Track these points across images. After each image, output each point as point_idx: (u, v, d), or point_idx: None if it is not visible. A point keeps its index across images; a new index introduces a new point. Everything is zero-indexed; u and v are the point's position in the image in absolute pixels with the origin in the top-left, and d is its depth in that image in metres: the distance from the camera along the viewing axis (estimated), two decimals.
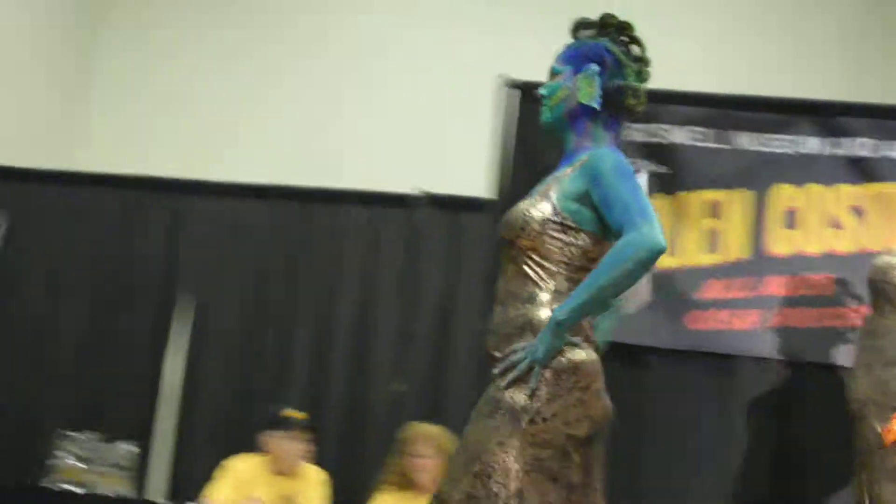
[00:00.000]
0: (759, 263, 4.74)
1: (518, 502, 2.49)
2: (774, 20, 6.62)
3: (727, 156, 4.95)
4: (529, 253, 2.67)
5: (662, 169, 4.93)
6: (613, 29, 2.80)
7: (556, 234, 2.62)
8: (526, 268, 2.66)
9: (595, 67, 2.73)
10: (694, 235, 4.90)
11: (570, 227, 2.61)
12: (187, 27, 7.33)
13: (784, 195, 4.79)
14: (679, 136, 4.94)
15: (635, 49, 2.84)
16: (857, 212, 4.73)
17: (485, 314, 3.56)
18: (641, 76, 2.82)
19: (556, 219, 2.64)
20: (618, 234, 2.46)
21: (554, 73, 2.84)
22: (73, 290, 5.97)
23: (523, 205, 2.74)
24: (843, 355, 4.60)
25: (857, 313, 4.69)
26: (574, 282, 2.57)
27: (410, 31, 7.20)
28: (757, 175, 4.84)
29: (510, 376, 2.54)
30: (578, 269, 2.59)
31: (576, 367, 2.53)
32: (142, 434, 5.45)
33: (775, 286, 4.73)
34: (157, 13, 7.45)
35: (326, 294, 5.72)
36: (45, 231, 6.06)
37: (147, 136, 7.14)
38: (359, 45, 7.15)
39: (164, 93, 7.23)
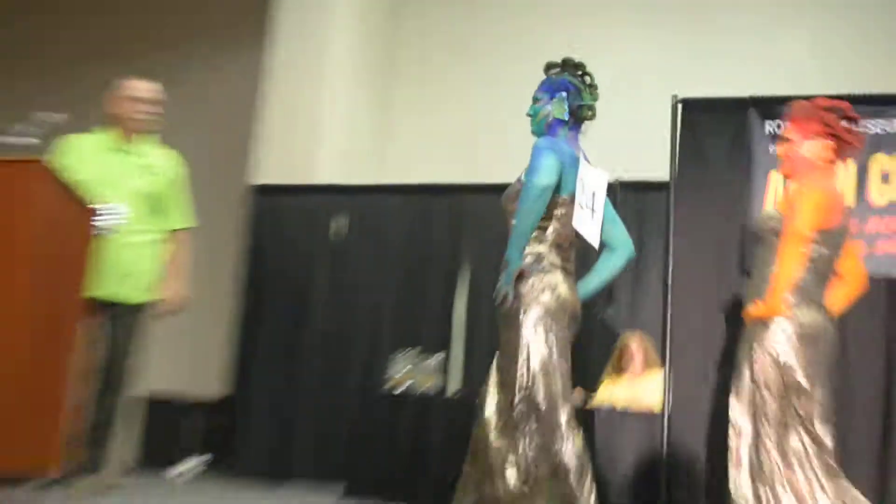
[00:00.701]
0: (863, 211, 5.14)
1: (540, 355, 3.15)
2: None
3: None
4: (510, 215, 3.35)
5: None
6: (572, 67, 3.51)
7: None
8: (512, 224, 3.30)
9: (564, 94, 3.42)
10: None
11: None
12: (466, 70, 7.98)
13: (880, 162, 5.21)
14: None
15: (587, 79, 3.50)
16: None
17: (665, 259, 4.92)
18: (593, 96, 3.50)
19: (521, 188, 3.32)
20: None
21: (536, 100, 3.51)
22: (391, 264, 6.86)
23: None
24: None
25: None
26: (538, 230, 3.25)
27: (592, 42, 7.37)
28: (860, 149, 5.03)
29: (499, 297, 3.22)
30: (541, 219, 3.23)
31: (542, 279, 3.19)
32: (443, 349, 6.29)
33: (875, 225, 5.15)
34: (442, 57, 8.25)
35: None
36: (372, 226, 6.96)
37: (433, 150, 7.89)
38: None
39: (445, 118, 7.92)
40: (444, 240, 6.85)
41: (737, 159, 5.41)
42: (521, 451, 3.20)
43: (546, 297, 3.19)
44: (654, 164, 5.79)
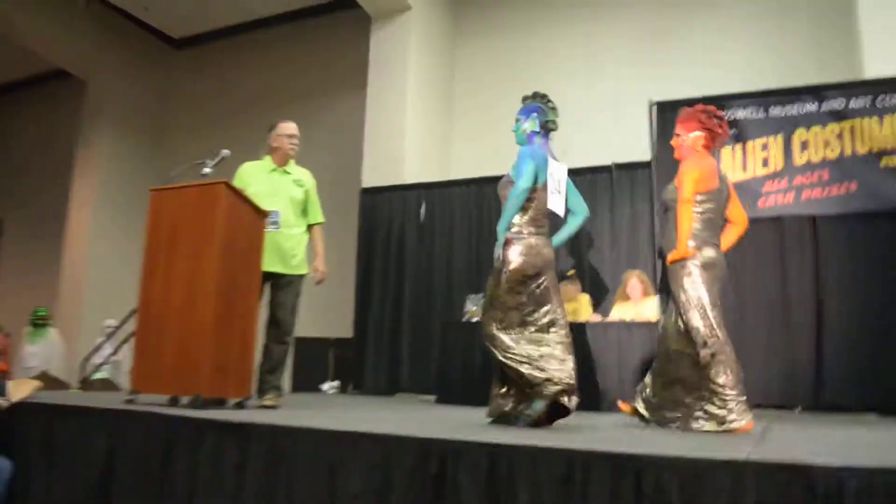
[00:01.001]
0: (790, 170, 5.67)
1: (505, 305, 3.47)
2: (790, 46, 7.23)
3: (769, 120, 5.81)
4: (503, 198, 3.66)
5: (733, 131, 5.69)
6: (540, 97, 3.79)
7: (509, 188, 3.61)
8: (504, 205, 3.62)
9: (535, 115, 3.71)
10: (756, 161, 5.74)
11: (513, 183, 3.60)
12: (506, 91, 8.12)
13: (800, 134, 5.70)
14: (742, 114, 5.87)
15: (551, 104, 3.79)
16: (839, 136, 5.60)
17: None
18: (555, 113, 3.78)
19: (509, 179, 3.64)
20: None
21: (517, 120, 3.81)
22: (459, 236, 7.35)
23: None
24: (840, 209, 5.51)
25: (841, 189, 5.53)
26: (520, 210, 3.54)
27: (594, 62, 8.13)
28: (784, 127, 5.75)
29: (495, 258, 3.52)
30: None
31: (519, 242, 3.50)
32: None
33: (798, 180, 5.65)
34: (487, 85, 8.63)
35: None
36: (444, 210, 7.45)
37: (484, 152, 8.07)
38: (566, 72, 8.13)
39: (491, 129, 7.99)
40: (494, 216, 6.53)
41: None
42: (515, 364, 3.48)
43: (522, 258, 3.52)
44: (640, 150, 6.25)
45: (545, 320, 3.54)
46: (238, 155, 4.50)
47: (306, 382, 7.56)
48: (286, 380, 6.59)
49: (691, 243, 3.65)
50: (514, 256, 3.51)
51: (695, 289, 3.62)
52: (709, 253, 3.66)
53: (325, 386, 7.48)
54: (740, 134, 5.90)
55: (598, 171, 6.68)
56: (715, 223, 3.74)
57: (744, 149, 5.88)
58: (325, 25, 10.20)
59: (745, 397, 3.54)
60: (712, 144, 3.92)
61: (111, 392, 6.41)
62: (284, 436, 2.78)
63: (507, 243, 3.52)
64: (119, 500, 3.08)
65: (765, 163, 5.81)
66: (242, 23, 10.82)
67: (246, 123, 9.83)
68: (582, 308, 6.16)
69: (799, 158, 5.72)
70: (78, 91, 11.36)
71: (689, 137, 3.89)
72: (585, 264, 6.68)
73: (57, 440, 3.34)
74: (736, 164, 5.89)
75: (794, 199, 5.72)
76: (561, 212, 3.72)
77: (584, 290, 6.36)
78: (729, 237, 3.92)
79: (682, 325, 3.66)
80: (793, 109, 5.81)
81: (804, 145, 5.73)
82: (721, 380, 3.50)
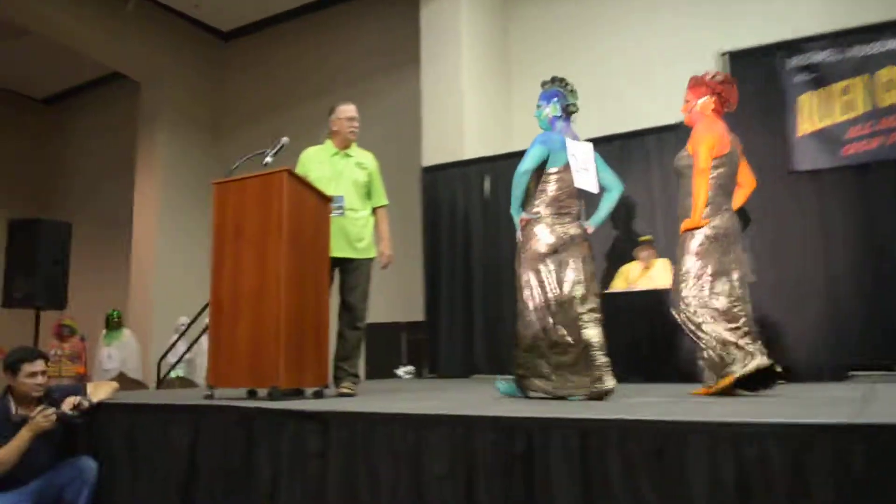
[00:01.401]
0: (875, 113, 5.51)
1: (527, 283, 3.65)
2: None
3: (851, 61, 5.66)
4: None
5: (811, 76, 5.69)
6: (559, 81, 3.97)
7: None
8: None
9: (556, 99, 3.89)
10: (838, 105, 5.64)
11: None
12: (561, 60, 7.95)
13: (884, 74, 5.53)
14: (820, 56, 5.73)
15: (570, 87, 3.94)
16: None
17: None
18: (575, 96, 3.94)
19: None
20: None
21: (538, 106, 3.99)
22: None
23: None
24: None
25: None
26: (540, 192, 3.76)
27: (652, 15, 7.94)
28: (868, 67, 5.59)
29: (517, 240, 3.75)
30: (537, 183, 3.76)
31: (535, 223, 3.68)
32: None
33: (885, 122, 5.48)
34: (543, 53, 8.51)
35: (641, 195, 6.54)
36: (508, 183, 6.57)
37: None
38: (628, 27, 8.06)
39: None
40: None
41: (772, 90, 5.77)
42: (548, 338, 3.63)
43: (535, 237, 3.70)
44: None
45: (561, 295, 3.61)
46: (297, 142, 4.51)
47: (380, 369, 7.60)
48: (360, 367, 6.73)
49: (706, 211, 3.84)
50: (528, 236, 3.70)
51: (693, 259, 3.83)
52: (720, 220, 3.85)
53: (401, 371, 7.53)
54: (820, 78, 5.76)
55: (664, 130, 6.51)
56: (726, 187, 3.93)
57: (824, 94, 5.71)
58: (373, 3, 10.23)
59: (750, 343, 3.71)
60: (722, 108, 4.07)
61: (189, 389, 6.59)
62: (365, 422, 2.79)
63: (524, 224, 3.73)
64: (204, 492, 3.15)
65: (847, 107, 5.65)
66: (289, 9, 10.95)
67: (302, 109, 9.93)
68: (660, 273, 6.07)
69: (885, 99, 5.54)
70: (133, 92, 11.74)
71: (697, 103, 4.07)
72: (661, 229, 6.53)
73: (140, 438, 3.44)
74: (815, 111, 5.76)
75: (880, 143, 5.54)
76: (594, 188, 3.84)
77: (661, 255, 6.20)
78: (737, 199, 4.08)
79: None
80: (874, 48, 5.63)
81: (889, 84, 5.53)
82: (709, 329, 3.74)
